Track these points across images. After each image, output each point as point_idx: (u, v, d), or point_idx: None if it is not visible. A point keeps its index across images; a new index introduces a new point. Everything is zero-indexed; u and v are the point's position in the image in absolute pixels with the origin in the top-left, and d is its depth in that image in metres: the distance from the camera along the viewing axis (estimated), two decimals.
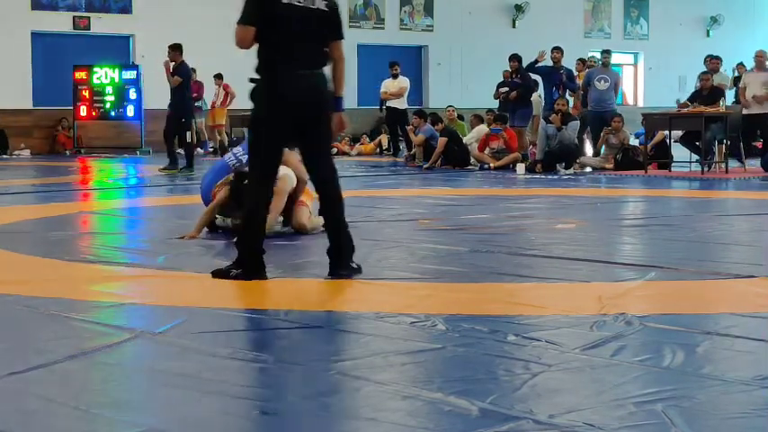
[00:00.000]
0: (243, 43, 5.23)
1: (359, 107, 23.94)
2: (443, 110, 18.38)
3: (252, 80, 5.30)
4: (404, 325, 4.05)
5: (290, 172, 6.92)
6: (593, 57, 18.39)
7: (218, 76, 20.82)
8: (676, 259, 5.87)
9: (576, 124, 14.56)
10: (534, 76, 16.51)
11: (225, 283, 5.16)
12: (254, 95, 5.27)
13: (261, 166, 5.24)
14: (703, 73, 15.53)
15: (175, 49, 14.78)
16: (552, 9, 26.39)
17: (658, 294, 4.90)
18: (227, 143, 20.34)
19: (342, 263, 5.22)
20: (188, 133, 14.88)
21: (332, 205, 5.28)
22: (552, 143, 14.36)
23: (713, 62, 16.65)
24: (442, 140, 15.34)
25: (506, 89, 17.34)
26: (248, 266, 5.13)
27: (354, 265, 5.26)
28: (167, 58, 14.79)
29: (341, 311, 4.41)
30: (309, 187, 6.82)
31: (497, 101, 17.80)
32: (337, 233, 5.26)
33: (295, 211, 7.06)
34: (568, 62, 16.47)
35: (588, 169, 14.69)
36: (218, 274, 5.20)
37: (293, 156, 7.19)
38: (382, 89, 18.79)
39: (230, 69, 21.44)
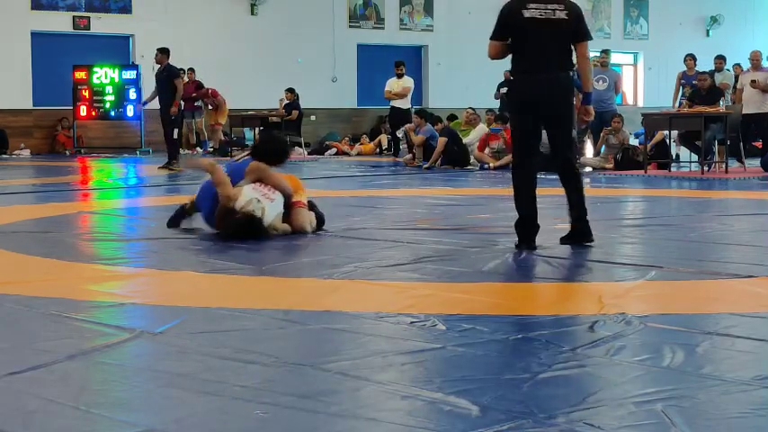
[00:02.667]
0: (492, 56, 6.34)
1: (358, 107, 23.95)
2: (444, 110, 18.37)
3: (507, 83, 6.29)
4: (404, 325, 4.05)
5: (252, 194, 6.87)
6: (596, 56, 18.35)
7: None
8: (676, 259, 5.87)
9: None
10: None
11: (224, 283, 5.16)
12: (509, 95, 6.54)
13: (518, 152, 6.41)
14: (701, 73, 15.55)
15: (163, 52, 15.17)
16: None
17: (658, 294, 4.90)
18: (224, 142, 20.35)
19: (583, 231, 6.37)
20: (175, 131, 15.35)
21: (568, 182, 6.48)
22: (543, 147, 14.34)
23: (718, 62, 16.67)
24: (441, 140, 15.34)
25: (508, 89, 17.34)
26: (519, 235, 6.24)
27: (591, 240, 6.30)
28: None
29: (341, 311, 4.41)
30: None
31: (498, 101, 17.81)
32: (574, 205, 6.44)
33: (294, 214, 7.06)
34: None
35: (588, 169, 14.69)
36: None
37: (275, 176, 7.05)
38: (387, 88, 18.80)
39: (230, 69, 21.50)
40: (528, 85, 6.19)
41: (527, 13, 6.09)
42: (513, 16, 6.12)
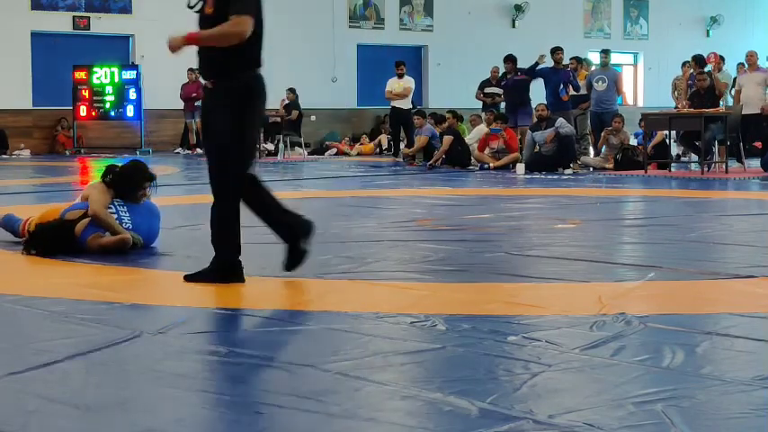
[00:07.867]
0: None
1: (358, 107, 23.95)
2: (444, 110, 18.35)
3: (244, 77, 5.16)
4: (404, 325, 4.05)
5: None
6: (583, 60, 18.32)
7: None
8: (676, 259, 5.87)
9: (561, 120, 14.39)
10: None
11: (224, 283, 5.16)
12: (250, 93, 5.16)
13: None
14: (699, 73, 15.55)
15: None
16: (552, 9, 26.38)
17: (658, 294, 4.90)
18: None
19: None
20: None
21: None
22: (544, 149, 14.35)
23: (714, 61, 16.68)
24: (447, 139, 15.33)
25: (495, 90, 17.39)
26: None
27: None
28: None
29: (341, 311, 4.40)
30: None
31: (482, 102, 17.78)
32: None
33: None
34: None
35: (588, 169, 14.70)
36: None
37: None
38: (387, 88, 18.78)
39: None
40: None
41: None
42: None
